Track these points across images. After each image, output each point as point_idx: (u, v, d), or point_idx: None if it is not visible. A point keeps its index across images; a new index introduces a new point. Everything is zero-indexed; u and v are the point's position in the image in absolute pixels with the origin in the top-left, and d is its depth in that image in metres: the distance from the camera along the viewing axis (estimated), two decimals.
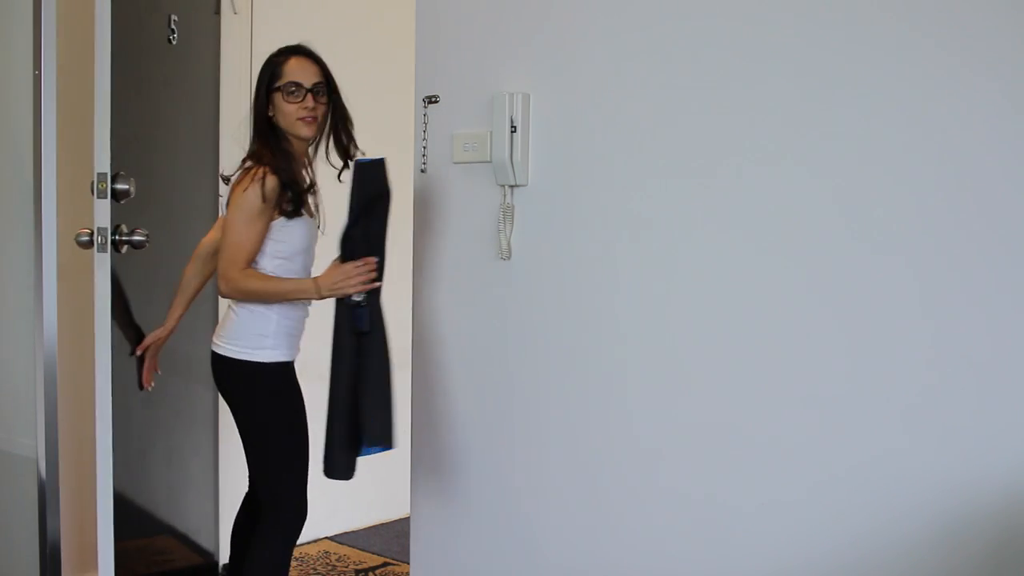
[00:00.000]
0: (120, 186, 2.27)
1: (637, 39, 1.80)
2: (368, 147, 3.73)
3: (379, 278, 2.29)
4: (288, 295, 2.33)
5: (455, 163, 2.07)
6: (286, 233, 2.35)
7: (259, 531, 2.41)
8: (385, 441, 2.31)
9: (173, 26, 3.15)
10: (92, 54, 3.07)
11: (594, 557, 1.89)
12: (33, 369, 2.33)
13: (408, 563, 2.25)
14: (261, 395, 2.39)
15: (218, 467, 3.37)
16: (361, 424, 2.29)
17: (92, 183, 2.25)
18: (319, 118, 2.39)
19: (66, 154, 2.55)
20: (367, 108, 3.67)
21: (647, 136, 1.79)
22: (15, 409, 2.50)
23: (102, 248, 2.21)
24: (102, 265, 2.23)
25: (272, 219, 2.32)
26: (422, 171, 2.15)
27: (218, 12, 3.22)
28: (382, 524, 3.83)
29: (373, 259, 2.29)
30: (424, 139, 2.14)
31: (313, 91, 2.37)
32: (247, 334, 2.38)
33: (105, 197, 2.20)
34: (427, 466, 2.17)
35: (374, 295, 2.31)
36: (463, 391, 2.10)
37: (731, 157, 1.69)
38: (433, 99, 2.12)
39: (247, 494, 2.66)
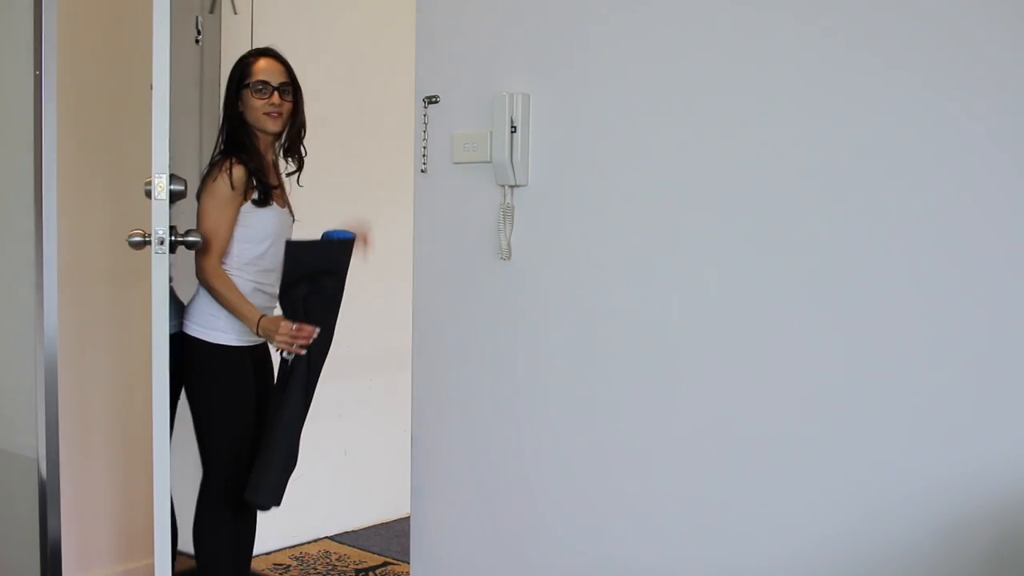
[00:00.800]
0: (175, 187, 2.28)
1: (637, 40, 1.80)
2: (368, 146, 3.74)
3: (317, 348, 2.47)
4: (235, 310, 2.50)
5: (455, 163, 2.07)
6: (253, 219, 2.53)
7: (198, 499, 2.61)
8: (271, 501, 2.47)
9: (199, 27, 3.18)
10: (95, 54, 3.07)
11: (594, 558, 1.89)
12: (33, 369, 2.33)
13: (408, 563, 2.25)
14: (207, 373, 2.56)
15: None
16: (250, 477, 2.45)
17: (148, 184, 2.25)
18: (284, 114, 2.59)
19: (67, 154, 2.55)
20: (367, 108, 3.69)
21: (647, 136, 1.79)
22: (15, 409, 2.50)
23: (160, 249, 2.21)
24: (160, 266, 2.23)
25: (240, 205, 2.51)
26: (422, 171, 2.15)
27: (213, 11, 3.22)
28: (382, 524, 3.83)
29: (311, 329, 2.44)
30: (424, 139, 2.14)
31: (279, 89, 2.57)
32: (203, 313, 2.54)
33: (164, 199, 2.22)
34: (427, 466, 2.17)
35: (301, 361, 2.46)
36: (463, 391, 2.10)
37: (731, 157, 1.69)
38: (433, 99, 2.12)
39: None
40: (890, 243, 1.52)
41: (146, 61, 2.98)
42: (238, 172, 2.48)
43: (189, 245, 2.38)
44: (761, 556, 1.67)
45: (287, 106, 2.59)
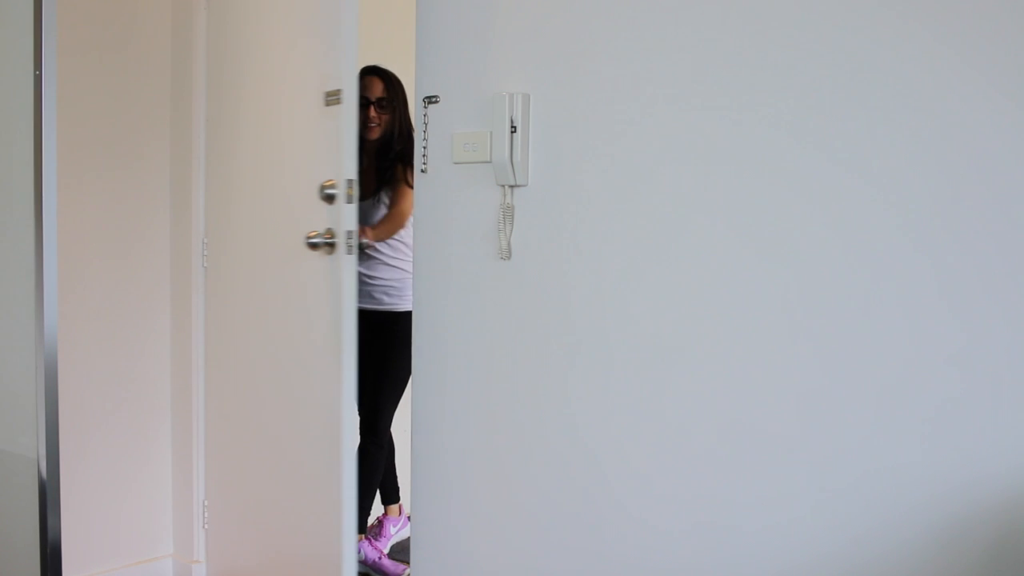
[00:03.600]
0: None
1: (637, 40, 1.80)
2: None
3: None
4: None
5: (455, 163, 2.08)
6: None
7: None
8: None
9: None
10: (95, 54, 3.07)
11: (594, 559, 1.89)
12: (33, 369, 2.33)
13: (408, 563, 2.25)
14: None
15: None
16: None
17: (330, 187, 2.34)
18: (382, 125, 3.07)
19: (66, 154, 2.55)
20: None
21: (646, 136, 1.79)
22: (15, 409, 2.50)
23: (349, 250, 2.34)
24: (349, 267, 2.33)
25: None
26: (422, 171, 2.15)
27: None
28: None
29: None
30: (424, 139, 2.14)
31: (376, 104, 3.06)
32: None
33: (352, 202, 2.33)
34: (427, 466, 2.17)
35: None
36: (463, 391, 2.10)
37: (731, 157, 1.69)
38: (433, 99, 2.12)
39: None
40: (890, 245, 1.52)
41: (146, 61, 2.97)
42: None
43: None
44: (760, 558, 1.67)
45: (385, 118, 3.06)
